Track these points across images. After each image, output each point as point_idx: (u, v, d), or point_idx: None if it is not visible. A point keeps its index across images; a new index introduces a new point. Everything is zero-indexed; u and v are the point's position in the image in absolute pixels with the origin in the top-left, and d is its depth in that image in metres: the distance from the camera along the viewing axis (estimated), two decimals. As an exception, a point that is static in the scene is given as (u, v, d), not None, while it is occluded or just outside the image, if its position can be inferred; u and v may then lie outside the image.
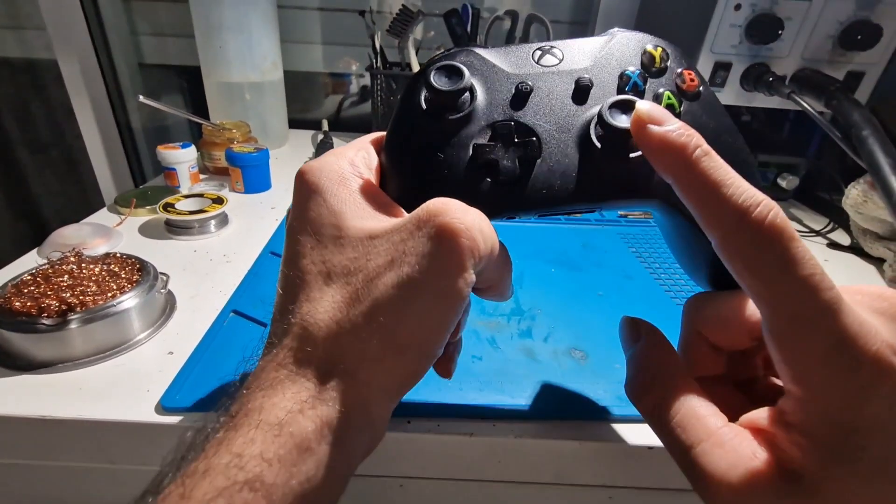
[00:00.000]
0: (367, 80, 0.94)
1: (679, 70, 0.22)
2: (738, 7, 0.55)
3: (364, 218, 0.20)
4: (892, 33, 0.55)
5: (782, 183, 0.64)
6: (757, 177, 0.20)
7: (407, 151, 0.22)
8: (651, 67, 0.22)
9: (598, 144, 0.20)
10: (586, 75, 0.22)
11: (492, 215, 0.20)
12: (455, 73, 0.21)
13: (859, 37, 0.54)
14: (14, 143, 0.97)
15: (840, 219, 0.59)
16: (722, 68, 0.58)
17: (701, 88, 0.22)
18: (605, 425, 0.28)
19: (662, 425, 0.20)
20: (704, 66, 0.58)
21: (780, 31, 0.55)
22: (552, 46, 0.23)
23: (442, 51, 0.76)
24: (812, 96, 0.53)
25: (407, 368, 0.20)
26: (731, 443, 0.17)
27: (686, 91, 0.22)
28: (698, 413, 0.19)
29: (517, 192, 0.21)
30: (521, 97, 0.22)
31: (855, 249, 0.55)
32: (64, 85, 0.84)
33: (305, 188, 0.21)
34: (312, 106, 0.97)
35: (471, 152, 0.21)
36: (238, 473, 0.16)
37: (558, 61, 0.22)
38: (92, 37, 0.83)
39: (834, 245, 0.56)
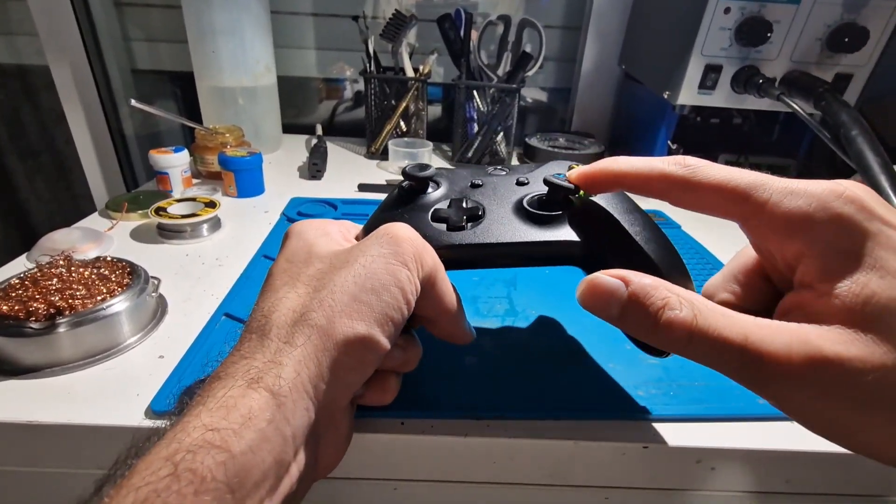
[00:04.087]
0: (361, 85, 0.95)
1: None
2: (727, 10, 0.55)
3: (332, 245, 0.25)
4: (878, 36, 0.56)
5: (774, 184, 0.65)
6: (672, 252, 0.25)
7: (384, 215, 0.28)
8: None
9: (527, 206, 0.27)
10: (524, 178, 0.29)
11: (446, 259, 0.25)
12: (424, 168, 0.29)
13: (846, 39, 0.55)
14: (3, 149, 0.96)
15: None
16: (713, 70, 0.59)
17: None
18: (600, 425, 0.28)
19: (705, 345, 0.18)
20: (695, 68, 0.59)
21: (768, 34, 0.55)
22: (502, 167, 0.31)
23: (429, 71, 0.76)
24: (801, 98, 0.54)
25: (351, 354, 0.21)
26: (773, 325, 0.18)
27: None
28: (730, 317, 0.18)
29: (464, 238, 0.26)
30: (474, 187, 0.29)
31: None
32: (55, 90, 0.83)
33: (291, 234, 0.26)
34: (306, 111, 0.97)
35: (431, 213, 0.28)
36: (182, 442, 0.17)
37: (504, 174, 0.30)
38: (84, 43, 0.83)
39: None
